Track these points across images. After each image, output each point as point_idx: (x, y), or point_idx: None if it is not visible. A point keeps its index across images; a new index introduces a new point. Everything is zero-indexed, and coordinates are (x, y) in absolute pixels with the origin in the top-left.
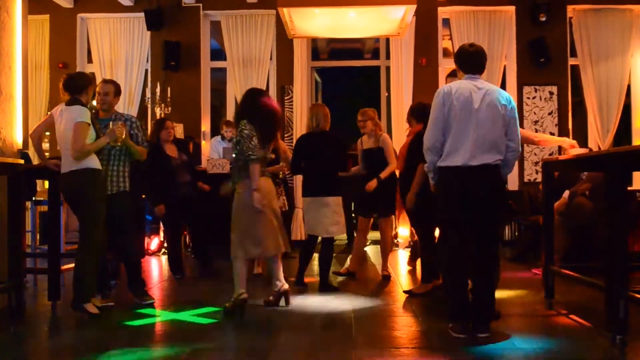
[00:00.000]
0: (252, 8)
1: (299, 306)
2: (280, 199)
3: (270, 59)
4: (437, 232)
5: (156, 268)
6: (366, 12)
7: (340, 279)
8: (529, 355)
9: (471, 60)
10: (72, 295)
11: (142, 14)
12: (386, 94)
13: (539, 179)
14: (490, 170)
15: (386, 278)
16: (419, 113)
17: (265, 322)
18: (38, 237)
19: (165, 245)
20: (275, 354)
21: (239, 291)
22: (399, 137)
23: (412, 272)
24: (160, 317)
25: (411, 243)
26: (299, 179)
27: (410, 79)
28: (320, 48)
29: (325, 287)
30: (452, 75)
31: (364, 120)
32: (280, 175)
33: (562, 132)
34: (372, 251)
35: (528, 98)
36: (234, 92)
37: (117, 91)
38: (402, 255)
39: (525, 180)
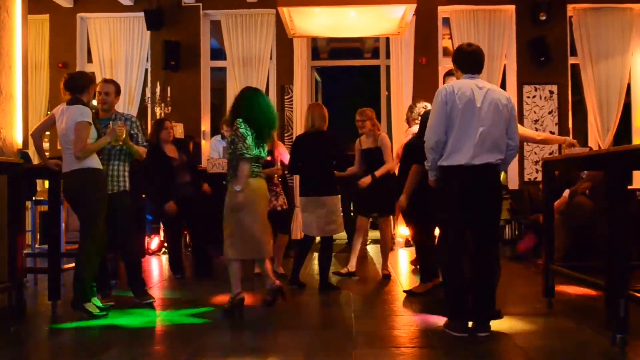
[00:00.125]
0: (252, 7)
1: (299, 306)
2: (280, 198)
3: (270, 58)
4: (436, 232)
5: (156, 268)
6: (366, 11)
7: (340, 278)
8: (529, 354)
9: (470, 60)
10: (73, 295)
11: (142, 14)
12: (386, 94)
13: (539, 178)
14: (492, 170)
15: (386, 277)
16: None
17: (265, 321)
18: (38, 236)
19: (166, 245)
20: (275, 353)
21: (236, 291)
22: (399, 136)
23: (414, 272)
24: (160, 317)
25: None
26: (298, 179)
27: (410, 78)
28: (320, 47)
29: (325, 287)
30: (449, 74)
31: (363, 120)
32: (275, 179)
33: (563, 131)
34: (372, 250)
35: (528, 97)
36: (234, 92)
37: (118, 91)
38: (402, 255)
39: (526, 179)
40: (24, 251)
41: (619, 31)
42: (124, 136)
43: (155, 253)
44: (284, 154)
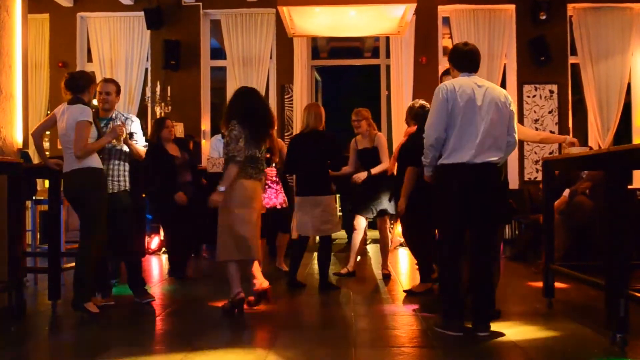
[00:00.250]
0: (252, 7)
1: (299, 306)
2: (280, 196)
3: (270, 57)
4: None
5: (156, 267)
6: (366, 10)
7: (340, 278)
8: (529, 354)
9: (466, 59)
10: (73, 294)
11: (142, 13)
12: (386, 93)
13: (539, 178)
14: (492, 169)
15: (386, 277)
16: (415, 114)
17: (265, 321)
18: (38, 236)
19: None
20: (275, 353)
21: (236, 291)
22: (399, 136)
23: (414, 271)
24: (159, 316)
25: None
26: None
27: (410, 77)
28: (320, 47)
29: (325, 286)
30: (447, 74)
31: (358, 120)
32: (274, 177)
33: (563, 130)
34: (372, 250)
35: (528, 97)
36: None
37: (118, 90)
38: (402, 255)
39: (526, 179)
40: (24, 251)
41: (619, 31)
42: (124, 136)
43: (155, 252)
44: (283, 151)
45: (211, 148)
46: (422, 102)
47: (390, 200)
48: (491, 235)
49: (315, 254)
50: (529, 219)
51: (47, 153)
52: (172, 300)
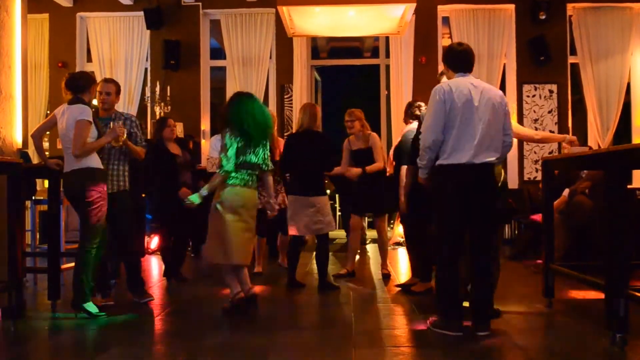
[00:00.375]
0: (252, 7)
1: (299, 306)
2: (280, 196)
3: (270, 57)
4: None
5: (156, 267)
6: (366, 10)
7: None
8: (529, 354)
9: (461, 59)
10: (72, 294)
11: (141, 13)
12: (386, 93)
13: (539, 177)
14: (489, 169)
15: (386, 276)
16: (412, 113)
17: (265, 321)
18: (38, 236)
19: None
20: (275, 353)
21: (235, 291)
22: (398, 135)
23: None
24: (159, 316)
25: None
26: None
27: (410, 77)
28: (320, 47)
29: (324, 286)
30: (443, 74)
31: (352, 121)
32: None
33: (562, 130)
34: (371, 250)
35: (528, 96)
36: (234, 91)
37: (118, 90)
38: (402, 254)
39: (525, 178)
40: (24, 250)
41: (619, 30)
42: (124, 136)
43: (155, 252)
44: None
45: (211, 148)
46: (419, 103)
47: (385, 199)
48: (491, 235)
49: (314, 254)
50: (528, 219)
51: (47, 153)
52: (171, 300)
